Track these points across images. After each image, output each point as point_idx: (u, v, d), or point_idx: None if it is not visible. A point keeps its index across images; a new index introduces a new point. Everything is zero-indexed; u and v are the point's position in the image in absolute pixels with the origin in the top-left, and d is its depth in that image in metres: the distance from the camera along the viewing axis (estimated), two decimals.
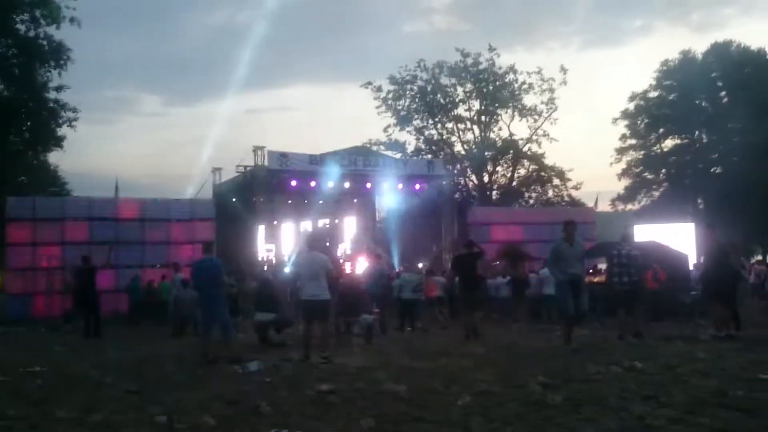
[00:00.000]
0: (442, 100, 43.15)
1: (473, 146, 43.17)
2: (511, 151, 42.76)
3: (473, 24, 74.57)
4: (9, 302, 19.84)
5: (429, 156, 40.27)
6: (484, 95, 42.57)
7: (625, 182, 45.71)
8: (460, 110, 43.51)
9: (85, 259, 14.96)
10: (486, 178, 42.99)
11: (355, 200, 31.29)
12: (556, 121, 42.72)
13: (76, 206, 21.81)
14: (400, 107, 43.29)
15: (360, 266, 22.84)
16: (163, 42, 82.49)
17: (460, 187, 41.46)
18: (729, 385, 5.95)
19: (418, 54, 52.26)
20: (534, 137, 42.76)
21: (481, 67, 42.23)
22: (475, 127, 43.27)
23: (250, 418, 5.31)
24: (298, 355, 9.11)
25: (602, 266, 15.27)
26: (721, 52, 41.94)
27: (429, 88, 43.00)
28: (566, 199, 42.42)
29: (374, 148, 39.91)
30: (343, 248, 31.88)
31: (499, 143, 42.99)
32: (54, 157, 32.78)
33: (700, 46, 48.91)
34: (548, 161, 42.88)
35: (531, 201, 42.98)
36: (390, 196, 30.24)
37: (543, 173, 43.04)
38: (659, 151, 45.11)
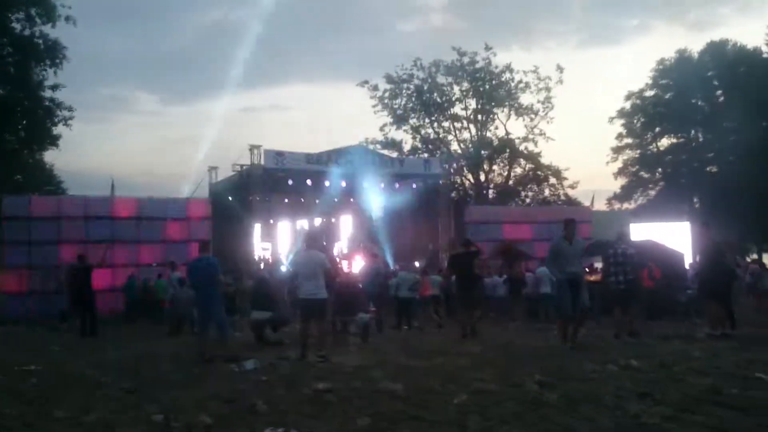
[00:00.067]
0: (438, 99, 43.20)
1: (470, 145, 43.22)
2: (508, 150, 42.83)
3: (470, 23, 74.61)
4: (5, 301, 19.78)
5: (425, 155, 40.31)
6: (481, 94, 42.62)
7: (621, 181, 45.82)
8: (457, 109, 43.60)
9: (80, 258, 14.93)
10: (482, 177, 43.04)
11: (351, 199, 31.27)
12: (553, 120, 42.86)
13: (72, 205, 21.75)
14: (396, 106, 43.35)
15: (356, 265, 22.85)
16: (159, 40, 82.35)
17: (456, 185, 41.51)
18: (724, 384, 5.97)
19: (415, 53, 52.44)
20: (530, 136, 42.86)
21: (477, 65, 42.29)
22: (472, 126, 43.34)
23: (246, 417, 5.31)
24: (295, 353, 9.10)
25: (598, 265, 15.29)
26: (717, 51, 42.01)
27: (425, 87, 43.05)
28: (562, 198, 42.50)
29: (371, 146, 39.95)
30: (340, 247, 31.89)
31: (496, 142, 43.05)
32: (50, 156, 32.80)
33: (696, 45, 49.07)
34: (544, 160, 43.00)
35: (527, 200, 43.08)
36: (386, 194, 30.24)
37: (539, 172, 43.11)
38: (655, 150, 45.19)
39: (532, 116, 42.62)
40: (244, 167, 25.93)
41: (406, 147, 43.21)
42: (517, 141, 42.89)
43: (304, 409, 5.55)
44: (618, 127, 45.47)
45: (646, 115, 44.35)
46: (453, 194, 36.58)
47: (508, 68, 42.33)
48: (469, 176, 43.43)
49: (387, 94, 43.11)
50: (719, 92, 42.33)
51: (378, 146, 41.65)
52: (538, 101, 42.39)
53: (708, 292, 10.89)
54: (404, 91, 43.24)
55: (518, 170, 43.84)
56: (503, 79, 42.44)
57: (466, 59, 42.23)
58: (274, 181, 26.38)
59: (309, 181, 26.79)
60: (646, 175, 45.52)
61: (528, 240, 24.82)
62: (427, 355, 8.81)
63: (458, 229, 27.78)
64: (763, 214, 35.08)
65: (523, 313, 17.02)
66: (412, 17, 76.28)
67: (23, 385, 7.15)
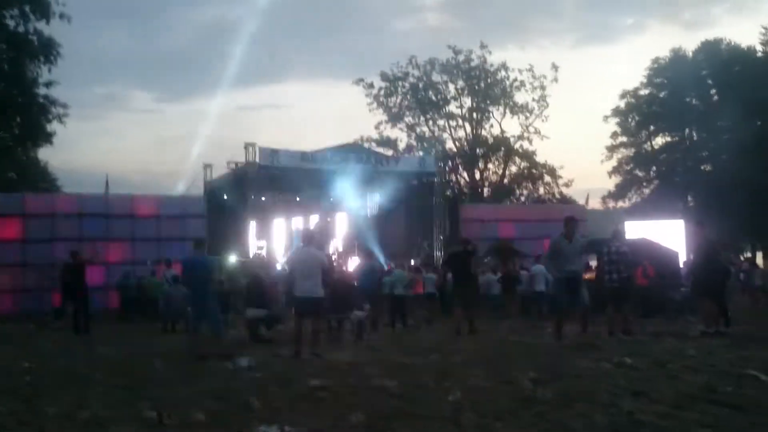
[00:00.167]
0: (433, 97, 43.19)
1: (465, 143, 43.24)
2: (503, 148, 42.86)
3: (465, 21, 74.65)
4: None
5: (420, 153, 40.29)
6: (476, 92, 42.65)
7: (616, 180, 45.89)
8: (452, 107, 43.60)
9: (74, 255, 14.86)
10: (477, 175, 43.07)
11: (346, 197, 31.23)
12: (548, 119, 42.88)
13: (67, 202, 21.69)
14: (391, 104, 43.32)
15: (351, 263, 22.84)
16: (154, 38, 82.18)
17: (451, 184, 41.53)
18: (718, 381, 5.99)
19: (410, 51, 52.38)
20: (525, 134, 42.89)
21: (472, 64, 42.30)
22: (467, 124, 43.35)
23: (240, 414, 5.30)
24: (289, 351, 9.09)
25: (593, 263, 15.32)
26: (711, 50, 42.13)
27: (421, 85, 43.04)
28: (557, 196, 42.57)
29: (366, 144, 39.91)
30: (335, 245, 31.84)
31: (491, 140, 43.07)
32: (44, 153, 32.62)
33: (690, 44, 49.09)
34: (539, 158, 43.05)
35: (522, 198, 43.11)
36: (381, 192, 30.20)
37: (534, 170, 43.15)
38: (650, 148, 45.29)
39: (527, 115, 42.67)
40: (239, 165, 25.87)
41: (402, 145, 43.21)
42: (512, 139, 42.94)
43: (299, 406, 5.54)
44: (612, 125, 45.57)
45: (641, 113, 44.45)
46: (448, 192, 36.60)
47: (503, 66, 42.36)
48: (464, 174, 43.46)
49: (382, 92, 43.10)
50: (713, 91, 42.45)
51: (373, 144, 41.63)
52: (533, 100, 42.45)
53: (702, 290, 10.92)
54: (399, 89, 43.23)
55: (513, 168, 43.90)
56: (498, 77, 42.46)
57: (461, 57, 42.25)
58: (270, 179, 26.30)
59: (304, 179, 26.72)
60: (640, 174, 45.61)
61: (522, 238, 24.82)
62: (421, 353, 8.81)
63: (453, 227, 27.77)
64: (756, 213, 35.20)
65: (517, 311, 17.03)
66: (408, 16, 76.36)
67: (16, 382, 7.12)
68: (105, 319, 17.15)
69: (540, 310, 16.65)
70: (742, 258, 26.70)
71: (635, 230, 22.52)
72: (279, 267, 21.35)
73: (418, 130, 43.89)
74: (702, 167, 42.78)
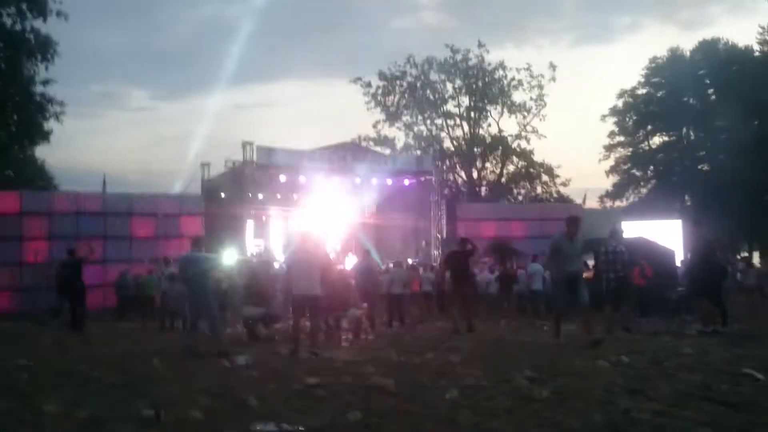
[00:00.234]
0: (431, 96, 43.20)
1: (462, 142, 43.26)
2: (500, 148, 42.88)
3: (462, 20, 74.44)
4: None
5: (418, 152, 40.31)
6: (474, 91, 42.67)
7: (613, 179, 45.95)
8: (450, 106, 43.63)
9: (71, 252, 14.82)
10: (475, 174, 43.09)
11: (343, 196, 31.23)
12: (545, 118, 42.92)
13: (64, 201, 21.66)
14: (389, 103, 43.32)
15: (349, 261, 22.83)
16: (150, 36, 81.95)
17: (449, 183, 41.54)
18: (714, 380, 6.00)
19: (408, 50, 52.25)
20: (523, 133, 42.92)
21: (470, 63, 42.33)
22: (465, 123, 43.37)
23: (237, 412, 5.29)
24: (287, 349, 9.09)
25: (590, 262, 15.34)
26: (708, 49, 42.19)
27: (418, 84, 43.04)
28: (555, 195, 42.61)
29: (363, 143, 39.93)
30: (332, 244, 31.82)
31: (489, 139, 43.09)
32: (41, 152, 32.56)
33: (688, 43, 49.13)
34: (537, 158, 43.08)
35: (520, 197, 43.14)
36: (379, 191, 30.20)
37: (532, 169, 43.19)
38: (647, 148, 45.35)
39: (525, 114, 42.72)
40: (237, 163, 25.86)
41: (399, 144, 43.22)
42: (509, 138, 42.98)
43: (295, 403, 5.54)
44: (610, 125, 45.64)
45: (638, 113, 44.50)
46: (445, 191, 36.60)
47: (501, 66, 42.41)
48: (462, 173, 43.49)
49: (380, 91, 43.12)
50: (711, 91, 42.51)
51: (371, 143, 41.66)
52: (531, 99, 42.50)
53: (699, 290, 10.94)
54: (397, 88, 43.24)
55: (510, 168, 43.93)
56: (496, 76, 42.51)
57: (459, 56, 42.28)
58: (267, 178, 26.30)
59: (301, 178, 26.72)
60: (637, 173, 45.69)
61: (519, 237, 24.85)
62: (418, 351, 8.81)
63: (450, 226, 27.80)
64: (753, 212, 35.28)
65: (514, 310, 17.06)
66: (406, 15, 76.22)
67: (14, 381, 7.11)
68: (102, 317, 17.14)
69: (537, 309, 16.68)
70: (738, 257, 26.78)
71: (633, 230, 22.53)
72: (277, 265, 21.33)
73: (415, 129, 43.92)
74: (699, 167, 42.83)
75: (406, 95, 43.23)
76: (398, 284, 15.66)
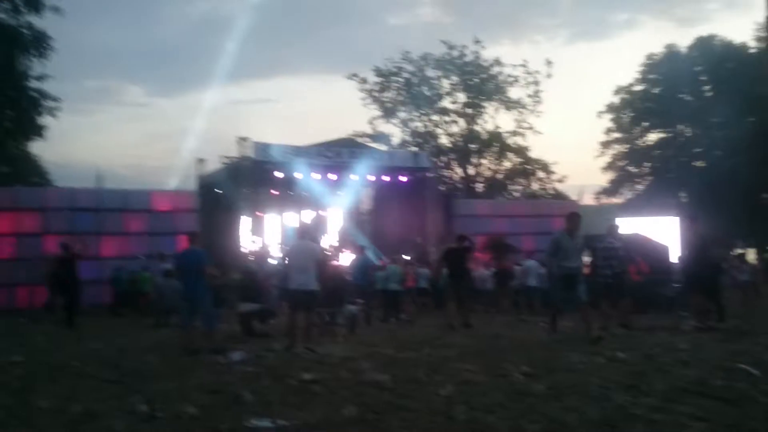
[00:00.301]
0: (427, 92, 43.11)
1: (458, 138, 43.24)
2: (497, 144, 42.87)
3: (459, 17, 74.39)
4: None
5: (414, 148, 40.28)
6: (470, 88, 42.61)
7: (610, 175, 45.98)
8: (446, 102, 43.52)
9: (65, 248, 14.76)
10: (471, 171, 43.08)
11: (340, 192, 31.21)
12: (541, 114, 42.87)
13: (58, 196, 21.59)
14: (385, 99, 43.25)
15: (345, 257, 22.82)
16: (146, 32, 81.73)
17: (445, 179, 41.51)
18: (709, 375, 6.01)
19: (404, 46, 52.18)
20: (519, 130, 42.88)
21: (466, 59, 42.25)
22: (461, 120, 43.32)
23: (232, 407, 5.29)
24: (282, 345, 9.09)
25: (587, 259, 15.35)
26: (705, 46, 42.20)
27: (414, 80, 42.97)
28: (551, 192, 42.62)
29: (359, 139, 39.84)
30: (328, 240, 31.82)
31: (485, 136, 43.07)
32: (35, 147, 32.45)
33: (684, 40, 49.16)
34: (533, 154, 43.06)
35: (516, 194, 43.15)
36: (375, 187, 30.19)
37: (528, 166, 43.19)
38: (643, 144, 45.37)
39: (521, 110, 42.67)
40: (233, 159, 25.80)
41: (395, 140, 43.12)
42: (505, 135, 42.94)
43: (290, 399, 5.54)
44: (606, 121, 45.63)
45: (635, 109, 44.52)
46: (441, 187, 36.57)
47: (497, 62, 42.34)
48: (458, 169, 43.47)
49: (376, 87, 43.05)
50: (707, 87, 42.53)
51: (367, 139, 41.56)
52: (527, 95, 42.43)
53: (694, 286, 10.95)
54: (393, 84, 43.17)
55: (507, 164, 43.91)
56: (492, 72, 42.44)
57: (455, 53, 42.20)
58: (263, 174, 26.25)
59: (298, 174, 26.66)
60: (633, 170, 45.71)
61: (515, 233, 24.86)
62: (414, 347, 8.81)
63: (446, 223, 27.77)
64: (749, 209, 35.35)
65: (510, 306, 17.07)
66: (402, 11, 76.14)
67: (8, 376, 7.09)
68: (97, 313, 17.10)
69: (532, 305, 16.70)
70: (733, 253, 26.85)
71: (628, 226, 22.58)
72: (272, 261, 21.33)
73: (411, 125, 43.84)
74: (695, 163, 42.88)
75: (402, 91, 43.17)
76: (394, 281, 15.65)
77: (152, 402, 5.32)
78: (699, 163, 42.72)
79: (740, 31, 68.55)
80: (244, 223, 27.20)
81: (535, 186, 43.51)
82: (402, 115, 43.56)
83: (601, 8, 75.46)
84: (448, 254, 13.18)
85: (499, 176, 43.42)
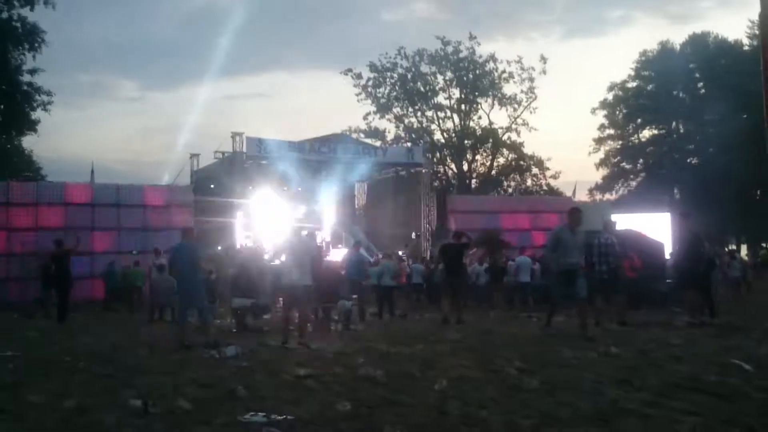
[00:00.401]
0: (422, 88, 43.16)
1: (453, 134, 43.27)
2: (491, 140, 42.95)
3: (454, 13, 74.49)
4: None
5: (408, 144, 40.33)
6: (464, 84, 42.68)
7: (603, 172, 46.12)
8: (440, 98, 43.65)
9: (58, 243, 14.70)
10: (465, 167, 43.14)
11: (334, 187, 31.23)
12: (536, 111, 42.99)
13: (51, 191, 21.48)
14: (380, 95, 43.27)
15: (339, 253, 22.81)
16: (140, 26, 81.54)
17: (439, 175, 41.58)
18: (702, 370, 6.03)
19: (399, 42, 52.17)
20: (513, 126, 43.01)
21: (461, 55, 42.32)
22: (455, 116, 43.39)
23: (225, 402, 5.27)
24: (276, 340, 9.07)
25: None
26: (698, 43, 42.34)
27: (409, 76, 43.00)
28: (545, 188, 42.74)
29: (354, 135, 39.85)
30: (322, 235, 31.84)
31: (479, 132, 43.13)
32: (28, 142, 32.34)
33: (678, 37, 49.33)
34: (527, 150, 43.19)
35: (510, 190, 43.25)
36: (369, 183, 30.21)
37: (522, 162, 43.30)
38: (637, 141, 45.53)
39: (516, 106, 42.80)
40: (226, 154, 25.77)
41: (390, 136, 43.20)
42: (500, 131, 43.03)
43: (284, 394, 5.53)
44: (600, 118, 45.80)
45: (628, 106, 44.67)
46: (436, 183, 36.63)
47: (492, 58, 42.42)
48: (452, 165, 43.52)
49: (370, 83, 43.05)
50: (700, 84, 42.70)
51: (361, 135, 41.59)
52: (522, 91, 42.56)
53: (687, 281, 10.98)
54: (388, 79, 43.18)
55: (501, 160, 44.02)
56: (487, 68, 42.52)
57: (450, 49, 42.28)
58: (257, 169, 26.24)
59: (292, 169, 26.66)
60: (627, 166, 45.88)
61: (509, 229, 24.89)
62: (407, 342, 8.80)
63: (440, 218, 27.82)
64: (742, 206, 35.50)
65: (503, 301, 17.10)
66: (397, 6, 76.12)
67: (0, 371, 7.06)
68: (90, 308, 17.05)
69: (525, 301, 16.74)
70: (726, 250, 27.00)
71: (622, 222, 22.58)
72: (266, 256, 21.27)
73: (406, 121, 43.91)
74: (688, 160, 43.06)
75: (396, 87, 43.19)
76: (388, 276, 15.65)
77: (145, 397, 5.30)
78: (692, 160, 42.91)
79: (734, 29, 68.82)
80: (238, 217, 27.19)
81: (529, 182, 43.65)
82: (396, 110, 43.63)
83: (596, 5, 75.76)
84: (444, 249, 13.19)
85: (494, 172, 43.48)
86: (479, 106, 43.32)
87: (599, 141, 45.92)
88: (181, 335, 9.14)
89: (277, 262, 13.63)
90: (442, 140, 43.36)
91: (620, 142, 45.75)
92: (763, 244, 42.76)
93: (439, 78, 43.09)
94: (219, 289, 15.75)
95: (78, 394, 5.65)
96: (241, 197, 26.24)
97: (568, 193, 34.72)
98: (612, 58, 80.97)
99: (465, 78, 42.57)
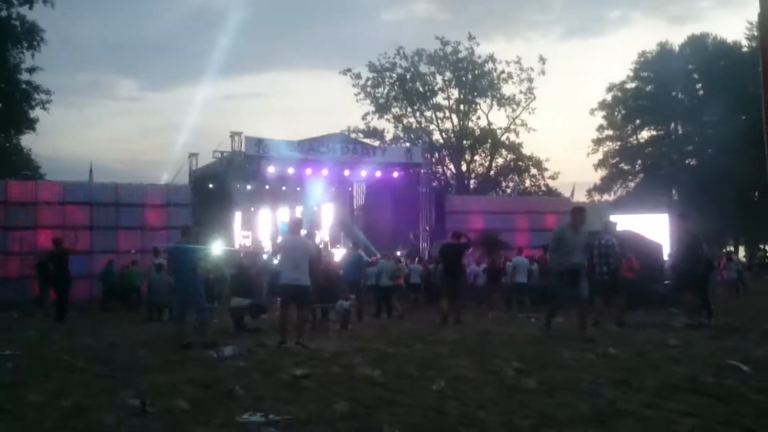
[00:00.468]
0: (421, 88, 43.14)
1: (452, 135, 43.26)
2: (489, 140, 42.93)
3: (453, 13, 74.46)
4: None
5: (407, 144, 40.30)
6: (463, 84, 42.65)
7: (602, 173, 46.15)
8: (439, 98, 43.60)
9: (57, 242, 14.68)
10: (464, 167, 43.12)
11: (332, 188, 31.20)
12: (534, 111, 42.96)
13: (50, 190, 21.47)
14: (378, 95, 43.24)
15: (337, 252, 22.81)
16: (139, 25, 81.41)
17: (438, 175, 41.57)
18: (700, 372, 6.04)
19: (398, 42, 52.17)
20: (512, 127, 42.98)
21: (460, 55, 42.30)
22: (454, 116, 43.37)
23: (223, 402, 5.27)
24: (274, 340, 9.07)
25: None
26: (697, 44, 42.37)
27: (408, 76, 42.96)
28: (543, 188, 42.72)
29: (353, 135, 39.82)
30: (321, 235, 31.83)
31: (478, 132, 43.12)
32: (27, 140, 32.31)
33: (677, 38, 49.37)
34: (526, 151, 43.16)
35: (508, 190, 43.25)
36: (368, 183, 30.20)
37: (520, 163, 43.27)
38: (635, 142, 45.56)
39: (514, 107, 42.77)
40: (225, 154, 25.75)
41: (388, 136, 43.18)
42: (498, 131, 43.01)
43: (282, 394, 5.53)
44: (599, 118, 45.82)
45: (627, 107, 44.70)
46: (434, 184, 36.61)
47: (491, 58, 42.39)
48: (451, 166, 43.51)
49: (369, 83, 43.02)
50: (699, 85, 42.74)
51: (360, 135, 41.56)
52: (520, 92, 42.54)
53: (685, 282, 10.98)
54: (387, 79, 43.15)
55: (499, 161, 43.99)
56: (486, 69, 42.49)
57: (449, 49, 42.24)
58: (255, 169, 26.22)
59: (290, 169, 26.64)
60: (626, 167, 45.91)
61: (507, 230, 24.90)
62: (406, 342, 8.80)
63: (439, 219, 27.82)
64: (740, 207, 35.52)
65: (501, 302, 17.10)
66: (397, 6, 76.12)
67: None
68: (89, 308, 17.04)
69: (523, 301, 16.75)
70: (724, 251, 27.04)
71: (620, 223, 22.58)
72: (264, 256, 21.27)
73: (405, 121, 43.89)
74: (687, 161, 43.10)
75: (395, 87, 43.16)
76: (386, 276, 15.66)
77: (144, 396, 5.30)
78: (691, 161, 42.97)
79: (733, 30, 68.83)
80: (237, 217, 27.18)
81: (527, 183, 43.63)
82: (395, 110, 43.60)
83: (595, 5, 75.74)
84: (444, 250, 13.19)
85: (492, 173, 43.47)
86: (478, 107, 43.34)
87: (598, 142, 45.99)
88: (180, 335, 9.14)
89: (275, 261, 13.64)
90: (441, 140, 43.35)
91: (619, 143, 45.80)
92: (761, 246, 42.88)
93: (438, 78, 43.12)
94: (217, 289, 15.76)
95: (77, 394, 5.65)
96: (239, 197, 26.22)
97: (567, 194, 34.76)
98: (611, 58, 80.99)
99: (464, 78, 42.57)
